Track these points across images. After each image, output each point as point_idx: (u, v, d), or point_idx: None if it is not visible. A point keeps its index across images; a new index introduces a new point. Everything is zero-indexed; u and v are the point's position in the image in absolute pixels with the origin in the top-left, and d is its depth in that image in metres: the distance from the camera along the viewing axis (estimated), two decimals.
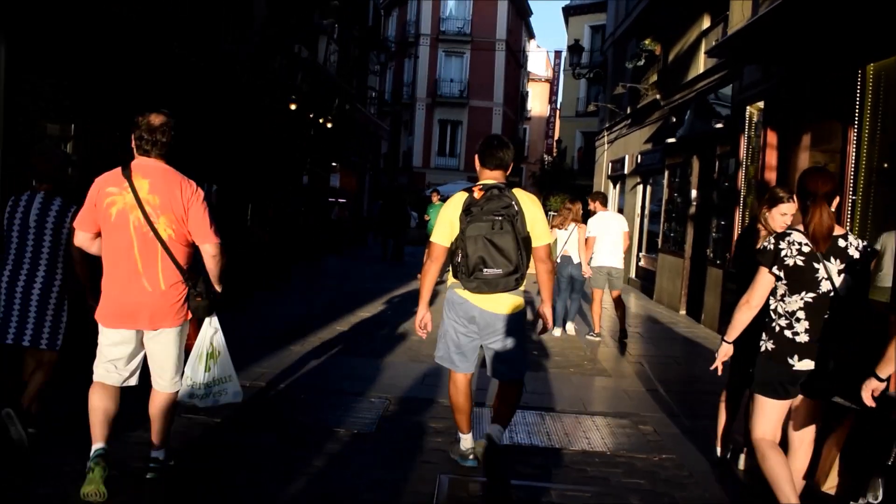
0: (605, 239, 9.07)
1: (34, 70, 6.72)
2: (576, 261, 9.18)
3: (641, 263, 16.42)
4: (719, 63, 10.95)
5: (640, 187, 16.65)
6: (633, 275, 16.84)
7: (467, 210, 4.05)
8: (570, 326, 9.51)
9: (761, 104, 9.44)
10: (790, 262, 3.48)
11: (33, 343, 4.26)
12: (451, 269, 4.28)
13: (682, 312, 12.26)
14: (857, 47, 7.03)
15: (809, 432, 3.76)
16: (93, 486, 3.51)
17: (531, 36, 51.47)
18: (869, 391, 3.14)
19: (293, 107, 15.04)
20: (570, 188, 30.06)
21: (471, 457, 4.37)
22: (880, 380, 3.14)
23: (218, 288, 3.86)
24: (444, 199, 15.25)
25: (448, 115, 38.65)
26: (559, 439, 5.10)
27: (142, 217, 3.55)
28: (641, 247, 16.57)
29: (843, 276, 3.47)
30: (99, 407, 3.69)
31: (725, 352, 3.89)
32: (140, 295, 3.61)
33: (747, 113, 9.82)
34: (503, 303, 4.16)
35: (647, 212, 16.44)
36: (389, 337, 8.46)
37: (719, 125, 10.86)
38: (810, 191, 3.51)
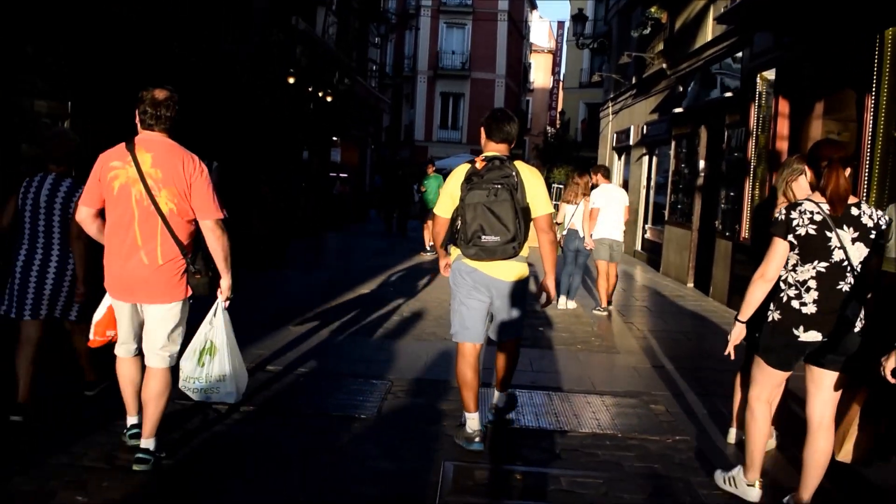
0: (608, 211, 8.99)
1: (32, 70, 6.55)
2: (582, 234, 9.04)
3: (647, 236, 16.18)
4: (729, 30, 10.64)
5: (646, 158, 16.37)
6: (638, 247, 16.62)
7: (468, 179, 4.13)
8: (570, 303, 9.32)
9: (773, 72, 9.15)
10: (802, 231, 3.43)
11: (49, 316, 4.40)
12: (451, 240, 4.37)
13: (690, 285, 12.05)
14: (874, 11, 6.75)
15: (829, 411, 3.57)
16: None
17: (533, 6, 50.79)
18: (891, 367, 3.01)
19: (291, 80, 14.76)
20: (573, 160, 29.81)
21: (476, 439, 4.26)
22: None
23: (226, 269, 3.81)
24: (439, 171, 15.11)
25: (450, 87, 38.33)
26: (568, 421, 4.92)
27: (143, 190, 3.56)
28: (647, 219, 16.33)
29: (856, 245, 3.41)
30: (125, 375, 3.86)
31: (738, 333, 3.74)
32: (137, 268, 3.62)
33: (758, 81, 9.52)
34: (509, 271, 4.26)
35: (652, 183, 16.17)
36: (391, 315, 8.26)
37: (729, 94, 10.57)
38: (825, 156, 3.51)
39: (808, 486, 3.56)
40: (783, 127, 8.95)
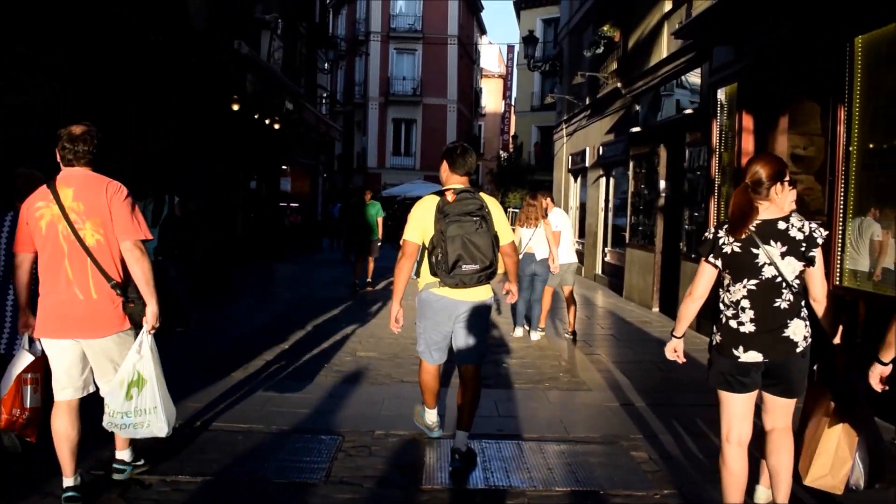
0: (566, 235, 8.96)
1: None
2: (538, 257, 8.68)
3: (608, 259, 15.81)
4: (685, 45, 10.34)
5: (603, 180, 16.05)
6: (599, 270, 16.24)
7: (443, 212, 4.31)
8: (535, 334, 8.86)
9: (734, 86, 8.82)
10: (727, 249, 3.40)
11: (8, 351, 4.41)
12: (423, 270, 4.56)
13: (656, 310, 11.64)
14: (845, 18, 6.43)
15: (780, 423, 3.54)
16: None
17: (483, 31, 50.92)
18: (877, 377, 3.11)
19: (236, 107, 14.11)
20: (527, 183, 29.51)
21: (436, 429, 4.93)
22: (884, 364, 3.10)
23: (149, 294, 3.72)
24: (377, 198, 14.16)
25: (402, 113, 37.94)
26: (542, 477, 4.35)
27: (68, 226, 3.60)
28: (607, 241, 15.97)
29: (786, 259, 3.35)
30: (61, 434, 3.69)
31: (673, 346, 3.67)
32: (73, 304, 3.64)
33: (719, 96, 9.19)
34: (475, 293, 4.48)
35: (611, 205, 15.84)
36: (344, 356, 7.63)
37: (688, 111, 10.26)
38: (743, 175, 3.52)
39: (781, 491, 3.48)
40: (748, 143, 8.60)
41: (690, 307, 3.56)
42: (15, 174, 4.61)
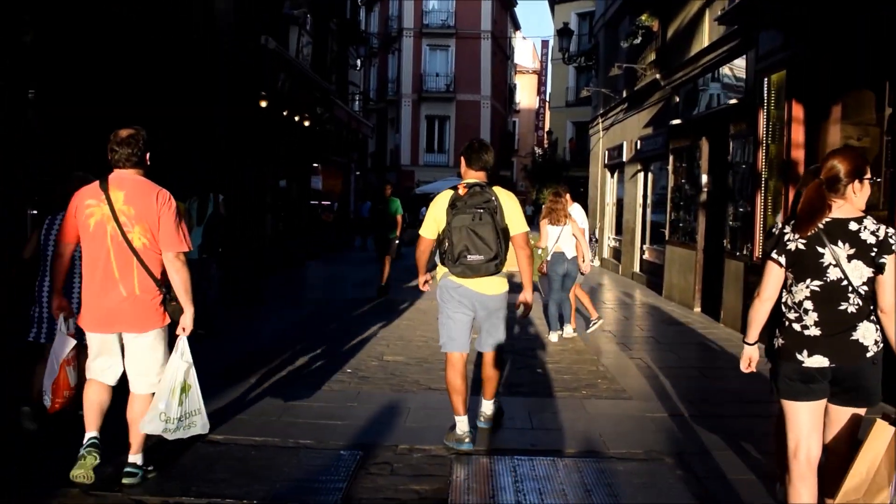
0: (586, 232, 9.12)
1: None
2: (569, 255, 8.42)
3: (646, 256, 15.27)
4: (729, 33, 9.82)
5: (641, 175, 15.50)
6: (636, 269, 15.71)
7: (453, 205, 4.54)
8: (568, 329, 8.59)
9: (783, 74, 8.29)
10: (791, 245, 3.19)
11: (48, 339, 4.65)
12: (439, 259, 4.72)
13: (697, 310, 11.12)
14: None
15: (841, 447, 3.23)
16: (82, 470, 3.80)
17: (517, 27, 50.35)
18: None
19: (264, 104, 13.85)
20: (563, 179, 28.98)
21: (466, 440, 4.63)
22: None
23: (187, 301, 3.94)
24: (396, 194, 13.36)
25: (435, 110, 37.55)
26: (579, 498, 3.96)
27: (117, 228, 3.80)
28: (645, 238, 15.42)
29: (853, 262, 3.09)
30: (94, 400, 3.99)
31: (748, 355, 3.45)
32: (117, 300, 3.84)
33: (766, 85, 8.66)
34: (490, 286, 4.66)
35: (649, 201, 15.29)
36: (370, 359, 7.29)
37: (733, 101, 9.73)
38: (819, 169, 3.24)
39: None
40: (798, 134, 8.09)
41: (760, 309, 3.31)
42: (71, 177, 4.76)
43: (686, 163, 12.10)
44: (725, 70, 10.29)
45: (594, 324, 8.91)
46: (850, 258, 3.10)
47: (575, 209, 8.89)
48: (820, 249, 3.12)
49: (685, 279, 11.71)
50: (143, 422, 3.93)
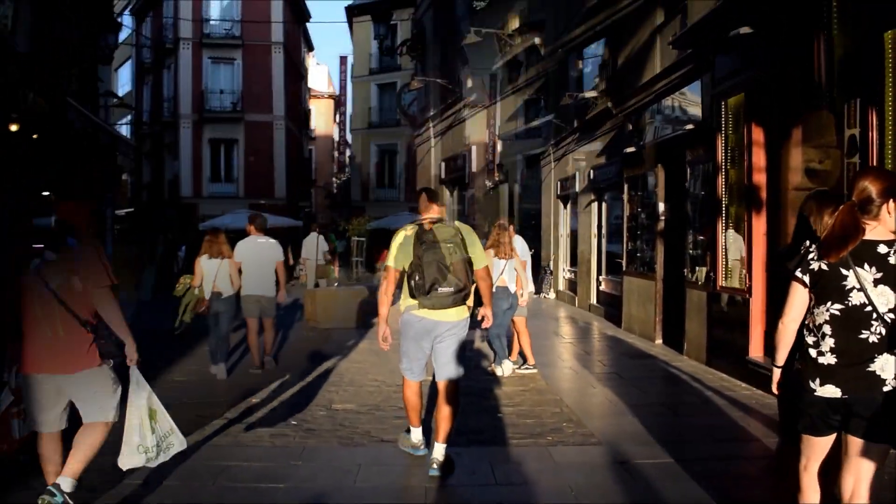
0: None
1: None
2: (512, 290, 8.19)
3: (603, 287, 14.95)
4: (682, 58, 9.62)
5: (595, 205, 15.25)
6: (593, 300, 15.37)
7: (421, 240, 4.73)
8: (507, 364, 8.26)
9: (741, 97, 8.06)
10: (815, 265, 3.07)
11: None
12: (403, 294, 4.92)
13: (659, 342, 10.77)
14: (876, 9, 5.71)
15: (861, 488, 3.04)
16: None
17: (310, 48, 45.52)
18: None
19: None
20: (511, 212, 28.63)
21: (421, 447, 5.10)
22: None
23: (125, 334, 3.98)
24: (177, 233, 10.50)
25: (220, 132, 31.81)
26: None
27: None
28: (601, 269, 15.13)
29: (879, 287, 2.93)
30: (47, 456, 3.93)
31: (778, 380, 3.35)
32: (46, 341, 3.85)
33: (724, 109, 8.42)
34: (452, 313, 4.85)
35: (604, 231, 15.03)
36: (317, 409, 6.71)
37: (689, 126, 9.50)
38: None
39: None
40: (758, 157, 7.84)
41: (786, 331, 3.21)
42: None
43: (641, 191, 11.85)
44: (680, 95, 10.09)
45: (527, 368, 8.36)
46: (876, 283, 2.94)
47: (518, 242, 8.62)
48: (843, 272, 3.00)
49: (645, 310, 11.38)
50: (122, 457, 3.97)
